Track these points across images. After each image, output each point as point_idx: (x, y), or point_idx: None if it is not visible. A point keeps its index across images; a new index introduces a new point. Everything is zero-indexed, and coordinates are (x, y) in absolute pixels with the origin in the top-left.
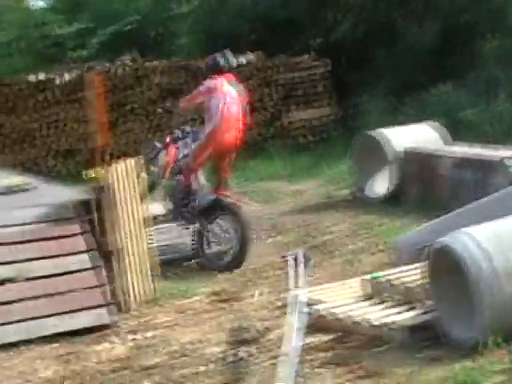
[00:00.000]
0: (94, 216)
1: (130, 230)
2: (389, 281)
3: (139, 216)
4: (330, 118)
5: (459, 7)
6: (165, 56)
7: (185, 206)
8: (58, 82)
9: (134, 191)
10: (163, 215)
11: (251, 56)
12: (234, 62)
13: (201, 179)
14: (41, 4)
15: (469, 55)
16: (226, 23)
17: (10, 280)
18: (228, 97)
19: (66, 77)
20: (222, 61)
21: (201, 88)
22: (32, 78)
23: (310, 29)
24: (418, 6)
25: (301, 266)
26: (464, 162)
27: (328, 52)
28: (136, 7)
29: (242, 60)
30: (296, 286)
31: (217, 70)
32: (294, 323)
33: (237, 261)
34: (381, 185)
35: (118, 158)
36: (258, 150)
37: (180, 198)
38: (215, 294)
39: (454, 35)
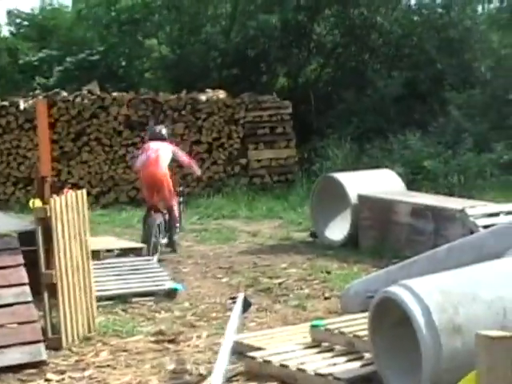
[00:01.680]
0: (38, 247)
1: (77, 263)
2: (329, 330)
3: (86, 249)
4: (293, 160)
5: (429, 58)
6: (131, 88)
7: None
8: (21, 107)
9: (81, 223)
10: (116, 249)
11: (218, 93)
12: (163, 132)
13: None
14: (10, 30)
15: (436, 105)
16: (194, 58)
17: None
18: (149, 150)
19: (29, 103)
20: (152, 131)
21: (140, 149)
22: None
23: (279, 68)
24: (389, 53)
25: (239, 310)
26: (420, 211)
27: (295, 93)
28: (103, 38)
29: (204, 97)
30: (231, 331)
31: (151, 137)
32: (221, 370)
33: None
34: (340, 228)
35: (71, 188)
36: (222, 186)
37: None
38: (157, 333)
39: (422, 84)
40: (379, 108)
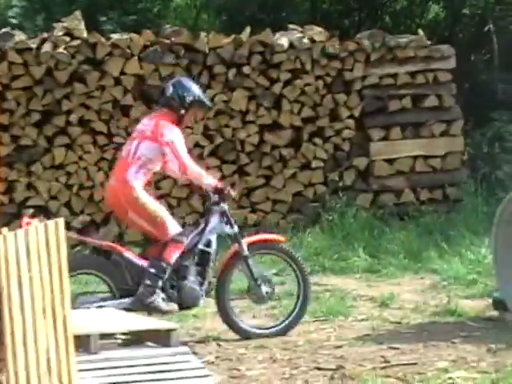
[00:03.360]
0: None
1: (48, 360)
2: None
3: (64, 332)
4: (459, 159)
5: None
6: (146, 25)
7: None
8: None
9: (55, 283)
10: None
11: (312, 32)
12: (167, 93)
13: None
14: None
15: None
16: None
17: None
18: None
19: None
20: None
21: None
22: None
23: None
24: None
25: None
26: None
27: (459, 31)
28: None
29: (285, 42)
30: None
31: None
32: None
33: None
34: None
35: (34, 217)
36: (321, 212)
37: None
38: None
39: None
40: None
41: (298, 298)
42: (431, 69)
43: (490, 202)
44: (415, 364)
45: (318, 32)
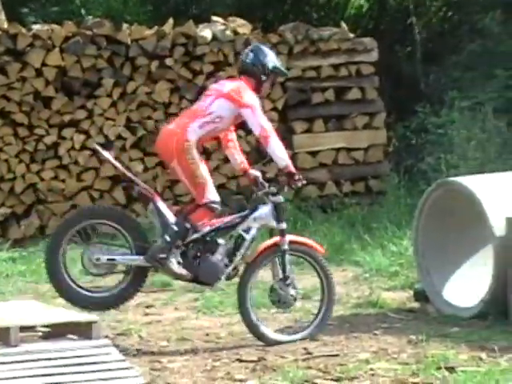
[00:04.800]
0: None
1: None
2: None
3: None
4: (381, 152)
5: None
6: (69, 16)
7: None
8: None
9: None
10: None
11: (235, 23)
12: (245, 59)
13: None
14: None
15: None
16: None
17: None
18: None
19: None
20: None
21: None
22: None
23: None
24: None
25: None
26: None
27: (384, 23)
28: None
29: (207, 33)
30: None
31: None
32: None
33: None
34: (473, 284)
35: None
36: (246, 203)
37: None
38: None
39: None
40: None
41: (320, 309)
42: (354, 61)
43: (412, 194)
44: (337, 355)
45: (241, 24)
